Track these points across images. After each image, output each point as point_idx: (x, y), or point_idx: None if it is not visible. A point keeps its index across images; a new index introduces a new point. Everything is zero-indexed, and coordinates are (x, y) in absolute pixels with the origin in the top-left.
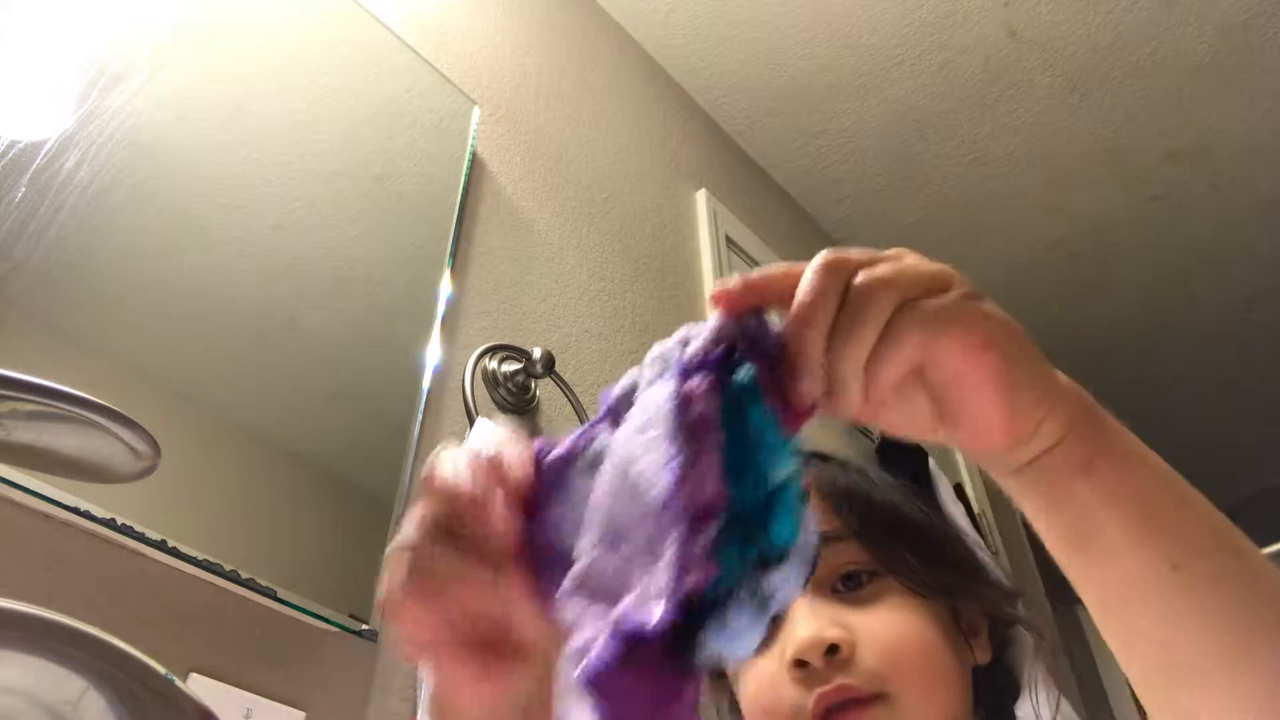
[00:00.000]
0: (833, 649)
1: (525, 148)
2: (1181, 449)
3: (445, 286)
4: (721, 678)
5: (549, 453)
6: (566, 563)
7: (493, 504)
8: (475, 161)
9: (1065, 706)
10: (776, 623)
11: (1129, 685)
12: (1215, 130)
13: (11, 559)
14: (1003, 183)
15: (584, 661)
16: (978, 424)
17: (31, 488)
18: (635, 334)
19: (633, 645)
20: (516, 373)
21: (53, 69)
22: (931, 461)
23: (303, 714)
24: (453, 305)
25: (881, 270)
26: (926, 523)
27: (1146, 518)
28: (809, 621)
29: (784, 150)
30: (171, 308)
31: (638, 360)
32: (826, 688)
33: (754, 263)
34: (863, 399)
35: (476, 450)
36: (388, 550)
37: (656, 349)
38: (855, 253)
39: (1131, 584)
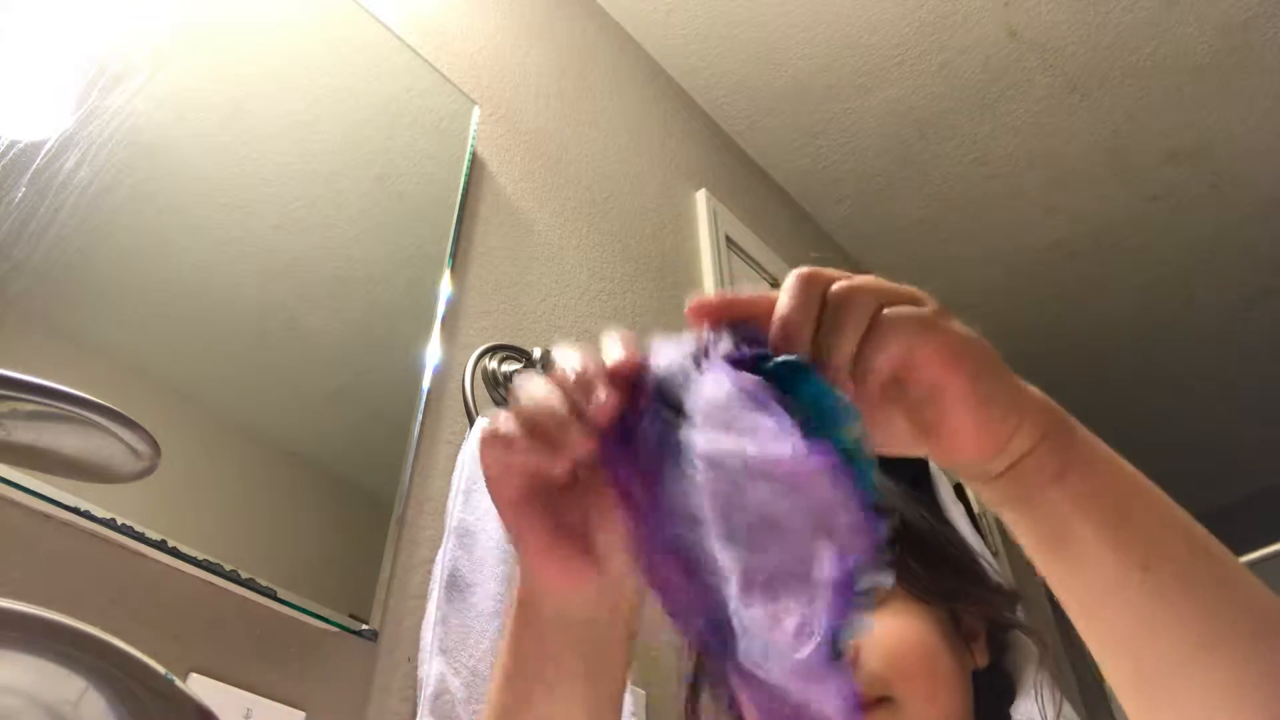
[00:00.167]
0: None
1: (525, 148)
2: (1181, 449)
3: (445, 286)
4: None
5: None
6: (660, 517)
7: (597, 399)
8: (475, 161)
9: (1066, 708)
10: None
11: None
12: (1215, 130)
13: (11, 559)
14: (1003, 183)
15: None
16: (954, 436)
17: (31, 488)
18: (635, 334)
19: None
20: (516, 373)
21: (53, 69)
22: (931, 462)
23: (303, 714)
24: (453, 305)
25: (858, 280)
26: (928, 529)
27: (1118, 522)
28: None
29: (784, 150)
30: (171, 308)
31: None
32: None
33: (754, 263)
34: (853, 398)
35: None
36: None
37: (667, 356)
38: (828, 270)
39: (1105, 587)
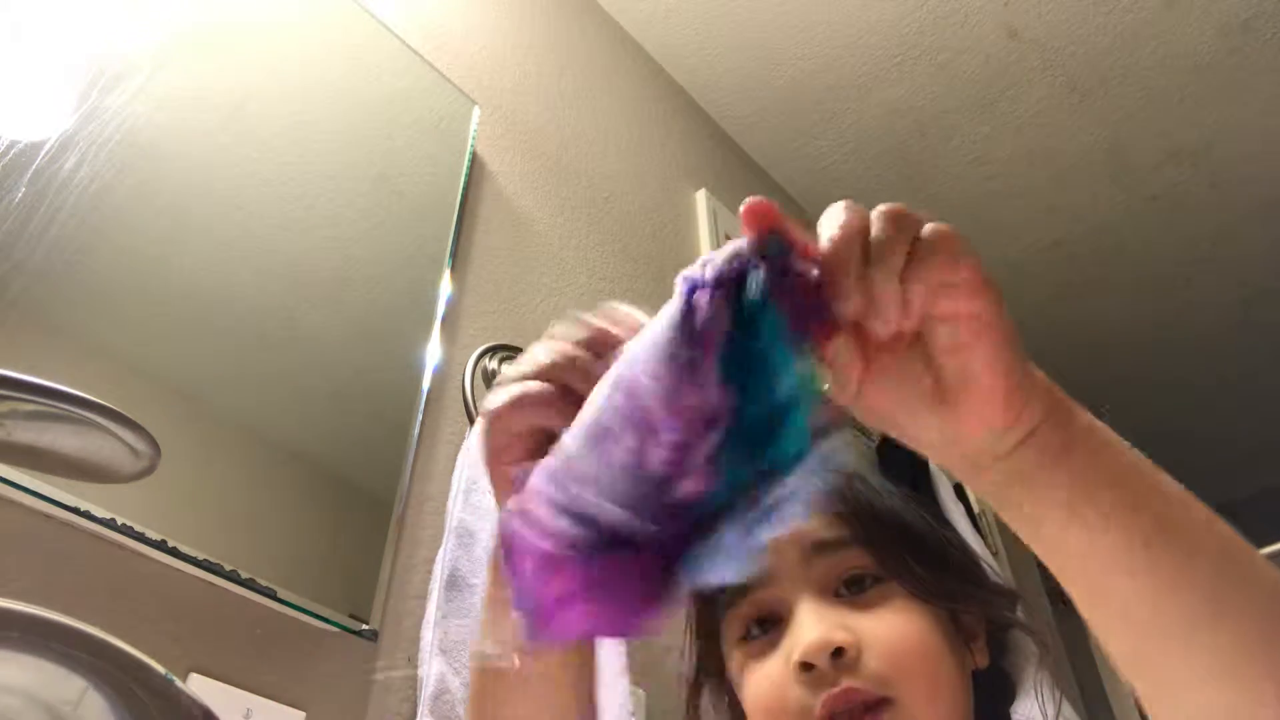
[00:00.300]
0: (839, 652)
1: (525, 148)
2: (1181, 449)
3: (445, 286)
4: (723, 678)
5: None
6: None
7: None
8: (475, 161)
9: (1066, 708)
10: (781, 626)
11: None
12: (1215, 130)
13: (11, 559)
14: (1003, 182)
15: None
16: (980, 397)
17: (31, 488)
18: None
19: (609, 541)
20: None
21: (53, 69)
22: (931, 464)
23: (303, 714)
24: (453, 305)
25: (901, 206)
26: (928, 529)
27: (1124, 497)
28: (815, 625)
29: (784, 150)
30: (171, 308)
31: None
32: (833, 690)
33: None
34: (900, 315)
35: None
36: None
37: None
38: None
39: (1111, 562)
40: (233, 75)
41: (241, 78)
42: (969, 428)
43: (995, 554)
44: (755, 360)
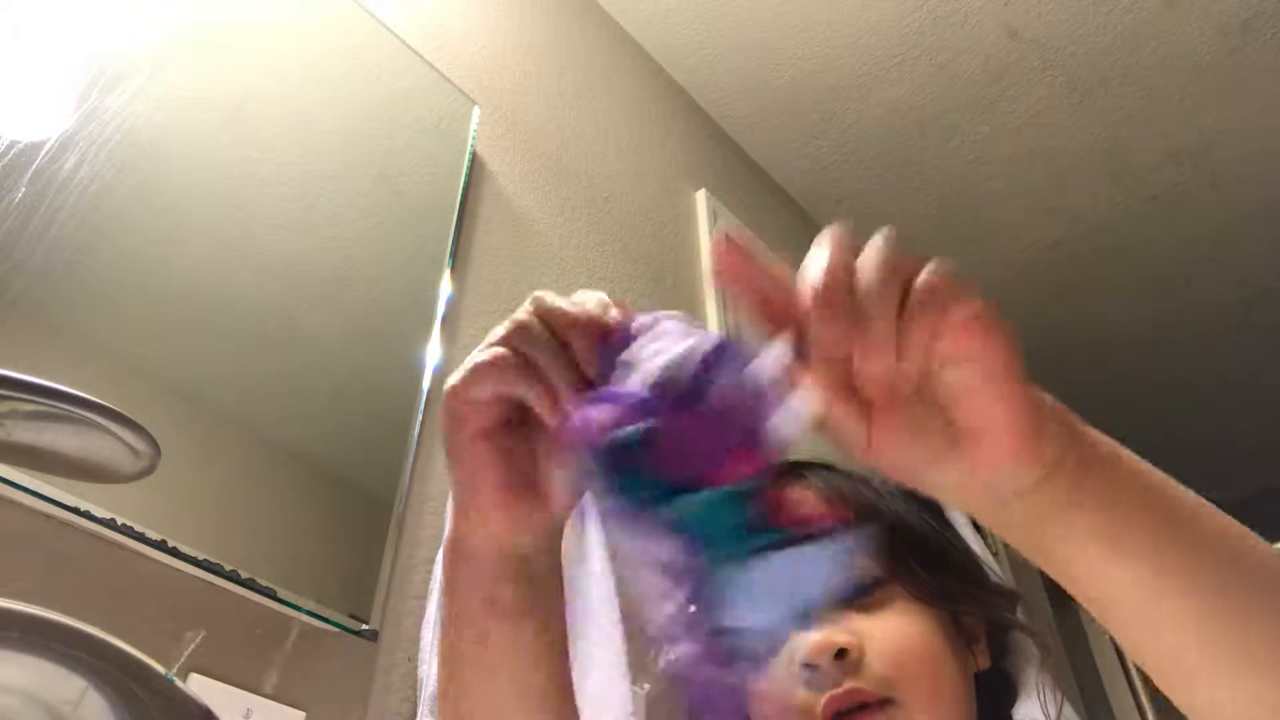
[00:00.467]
0: (841, 653)
1: (525, 148)
2: (1181, 449)
3: (445, 286)
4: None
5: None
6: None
7: (575, 343)
8: (475, 161)
9: (1067, 709)
10: None
11: (1129, 686)
12: (1215, 130)
13: (11, 559)
14: (1003, 182)
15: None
16: (997, 440)
17: (31, 488)
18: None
19: None
20: None
21: (53, 69)
22: None
23: (303, 714)
24: (453, 305)
25: (889, 250)
26: (930, 531)
27: (1164, 522)
28: (817, 626)
29: (784, 150)
30: (171, 308)
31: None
32: (836, 691)
33: None
34: (896, 355)
35: (581, 300)
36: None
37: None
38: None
39: (1157, 591)
40: (233, 75)
41: (241, 78)
42: (986, 471)
43: (995, 554)
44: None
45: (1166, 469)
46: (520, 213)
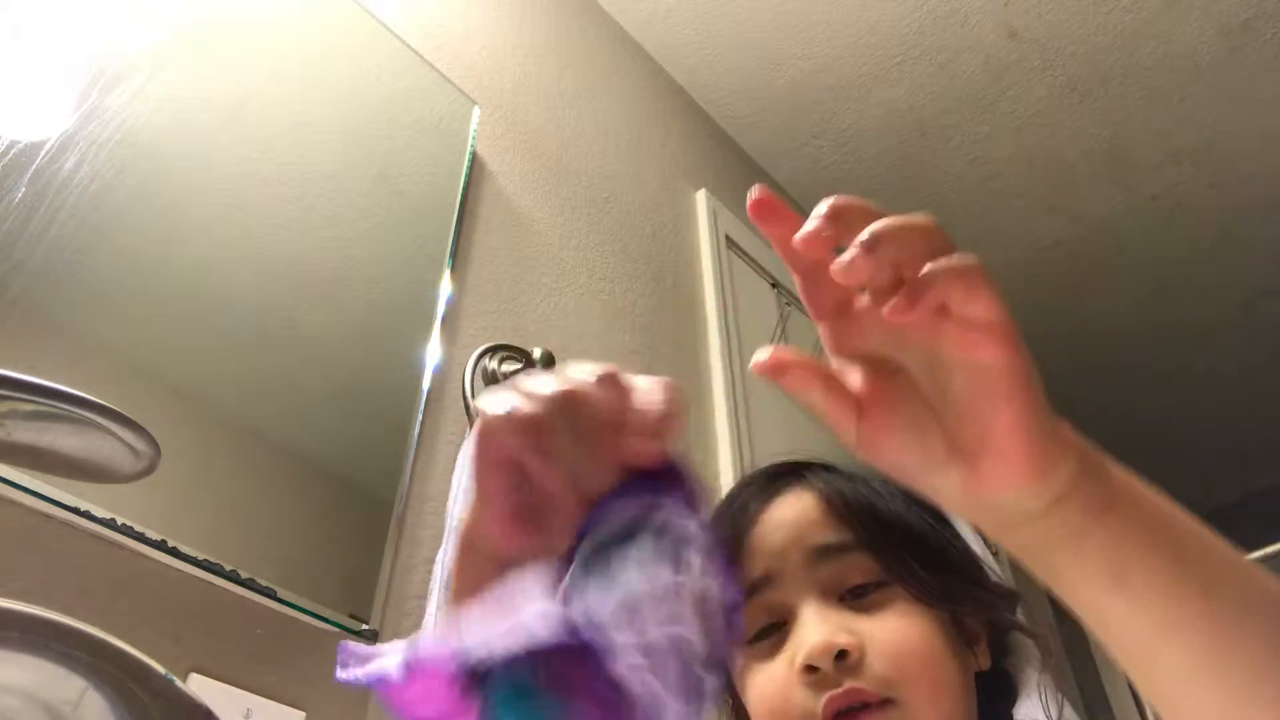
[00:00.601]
0: (842, 654)
1: (525, 148)
2: (1181, 449)
3: (445, 286)
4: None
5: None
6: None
7: (603, 415)
8: (475, 161)
9: (1068, 709)
10: (784, 629)
11: (1129, 687)
12: (1215, 130)
13: (11, 559)
14: (1003, 183)
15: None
16: (1005, 457)
17: (31, 488)
18: (635, 334)
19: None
20: (516, 373)
21: (53, 69)
22: None
23: (302, 714)
24: (453, 305)
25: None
26: (930, 532)
27: (1176, 551)
28: (819, 627)
29: (784, 150)
30: (171, 307)
31: (637, 359)
32: (836, 691)
33: (754, 262)
34: (910, 306)
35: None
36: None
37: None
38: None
39: (1168, 619)
40: (233, 75)
41: (241, 78)
42: (992, 487)
43: (995, 554)
44: None
45: (1167, 469)
46: (520, 213)
